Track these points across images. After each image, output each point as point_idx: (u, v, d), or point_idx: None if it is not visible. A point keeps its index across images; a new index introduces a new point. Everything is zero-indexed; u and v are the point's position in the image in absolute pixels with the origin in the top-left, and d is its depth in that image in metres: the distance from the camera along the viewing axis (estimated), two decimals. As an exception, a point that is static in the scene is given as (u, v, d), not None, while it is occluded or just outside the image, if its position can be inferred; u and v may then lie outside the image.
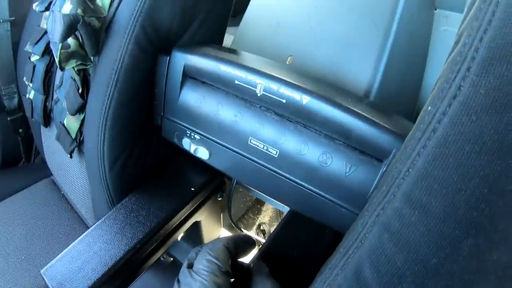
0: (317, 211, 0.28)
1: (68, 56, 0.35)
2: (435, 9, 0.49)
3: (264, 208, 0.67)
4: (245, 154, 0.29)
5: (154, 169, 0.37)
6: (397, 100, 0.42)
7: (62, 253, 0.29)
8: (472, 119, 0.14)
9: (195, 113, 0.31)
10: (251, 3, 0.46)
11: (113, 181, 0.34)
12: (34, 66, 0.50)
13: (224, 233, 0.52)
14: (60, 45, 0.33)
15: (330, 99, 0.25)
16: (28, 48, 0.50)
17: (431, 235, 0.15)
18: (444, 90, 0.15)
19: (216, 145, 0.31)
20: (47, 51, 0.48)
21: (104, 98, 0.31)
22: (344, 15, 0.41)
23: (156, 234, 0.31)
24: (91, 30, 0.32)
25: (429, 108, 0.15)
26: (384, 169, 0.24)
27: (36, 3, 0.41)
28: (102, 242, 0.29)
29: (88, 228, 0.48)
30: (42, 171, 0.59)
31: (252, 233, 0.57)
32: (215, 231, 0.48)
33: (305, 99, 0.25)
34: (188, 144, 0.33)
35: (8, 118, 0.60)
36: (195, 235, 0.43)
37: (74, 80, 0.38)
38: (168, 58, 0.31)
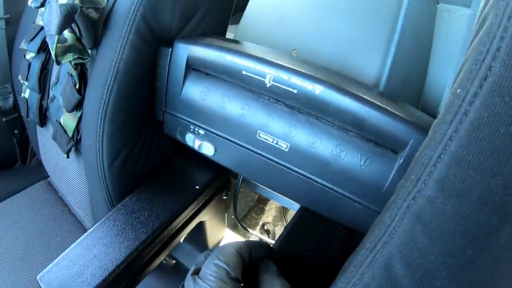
0: (329, 207, 0.27)
1: (64, 50, 0.33)
2: (438, 3, 0.49)
3: (267, 208, 0.65)
4: (253, 148, 0.28)
5: (155, 166, 0.36)
6: (403, 94, 0.41)
7: (59, 257, 0.27)
8: (505, 100, 0.13)
9: (199, 107, 0.30)
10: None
11: (112, 180, 0.32)
12: (30, 64, 0.48)
13: (228, 233, 0.50)
14: (56, 38, 0.32)
15: (345, 89, 0.24)
16: (23, 45, 0.48)
17: (467, 224, 0.14)
18: (473, 72, 0.14)
19: (222, 140, 0.29)
20: (43, 48, 0.47)
21: (103, 91, 0.29)
22: (349, 8, 0.40)
23: (159, 235, 0.29)
24: (88, 21, 0.30)
25: (458, 90, 0.15)
26: (401, 161, 0.23)
27: (31, -1, 0.39)
28: (101, 245, 0.27)
29: (86, 229, 0.47)
30: (38, 172, 0.57)
31: (256, 233, 0.56)
32: (219, 231, 0.46)
33: (317, 89, 0.24)
34: (192, 140, 0.31)
35: (3, 119, 0.59)
36: (198, 236, 0.41)
37: (71, 75, 0.37)
38: (170, 49, 0.30)
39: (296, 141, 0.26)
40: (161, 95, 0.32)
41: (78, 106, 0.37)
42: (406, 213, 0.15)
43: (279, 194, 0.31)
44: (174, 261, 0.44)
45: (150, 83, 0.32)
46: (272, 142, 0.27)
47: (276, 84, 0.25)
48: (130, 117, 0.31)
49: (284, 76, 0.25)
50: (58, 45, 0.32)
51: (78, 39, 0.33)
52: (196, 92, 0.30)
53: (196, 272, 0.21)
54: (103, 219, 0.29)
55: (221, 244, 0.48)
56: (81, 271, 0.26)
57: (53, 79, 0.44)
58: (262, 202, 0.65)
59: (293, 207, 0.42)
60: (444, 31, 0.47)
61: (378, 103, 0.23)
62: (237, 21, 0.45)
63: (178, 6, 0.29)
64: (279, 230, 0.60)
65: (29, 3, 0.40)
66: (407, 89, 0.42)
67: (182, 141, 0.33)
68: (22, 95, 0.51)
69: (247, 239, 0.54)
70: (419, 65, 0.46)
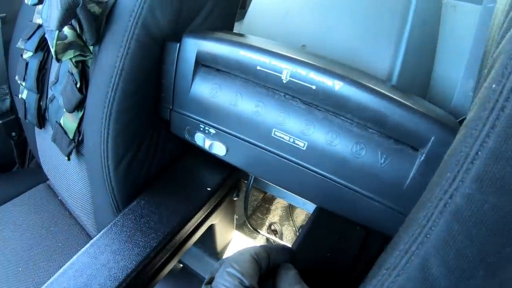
0: (348, 206, 0.26)
1: (65, 47, 0.32)
2: (443, -1, 0.48)
3: (273, 207, 0.64)
4: (268, 147, 0.27)
5: (162, 168, 0.34)
6: (412, 88, 0.40)
7: (65, 266, 0.26)
8: None
9: (209, 105, 0.28)
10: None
11: (118, 183, 0.30)
12: (27, 64, 0.47)
13: (235, 234, 0.49)
14: (56, 34, 0.30)
15: (365, 84, 0.23)
16: (20, 44, 0.47)
17: (506, 221, 0.13)
18: (509, 66, 0.14)
19: (235, 139, 0.28)
20: (41, 46, 0.45)
21: (108, 89, 0.27)
22: (357, 1, 0.39)
23: (170, 241, 0.27)
24: (90, 16, 0.28)
25: (493, 86, 0.14)
26: (422, 158, 0.22)
27: (28, -5, 0.38)
28: (110, 253, 0.26)
29: (89, 235, 0.45)
30: (38, 175, 0.55)
31: (263, 233, 0.54)
32: (228, 233, 0.45)
33: (337, 85, 0.23)
34: (202, 140, 0.30)
35: (0, 121, 0.57)
36: (207, 239, 0.40)
37: (72, 74, 0.35)
38: (178, 45, 0.28)
39: (314, 139, 0.25)
40: (168, 93, 0.31)
41: (79, 106, 0.35)
42: (443, 212, 0.15)
43: (293, 194, 0.30)
44: (181, 265, 0.43)
45: (156, 80, 0.30)
46: (289, 140, 0.26)
47: (294, 80, 0.24)
48: (136, 117, 0.29)
49: (302, 71, 0.24)
50: (58, 42, 0.31)
51: (79, 35, 0.31)
52: (206, 89, 0.28)
53: (210, 281, 0.19)
54: (110, 225, 0.28)
55: (229, 246, 0.47)
56: (89, 282, 0.24)
57: (52, 78, 0.42)
58: (267, 201, 0.64)
59: (306, 207, 0.41)
60: (449, 26, 0.46)
61: (400, 99, 0.22)
62: (239, 18, 0.43)
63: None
64: (286, 230, 0.59)
65: (26, 0, 0.38)
66: (416, 84, 0.42)
67: (191, 141, 0.31)
68: (20, 96, 0.50)
69: (255, 241, 0.53)
70: (427, 60, 0.46)
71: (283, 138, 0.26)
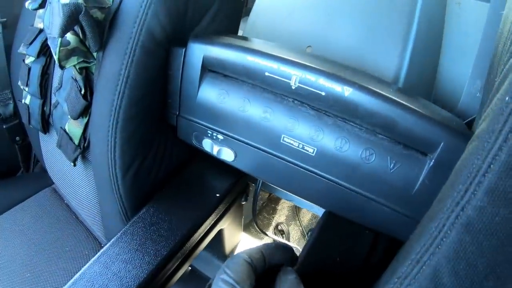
0: (357, 211, 0.26)
1: (68, 53, 0.31)
2: (448, -5, 0.47)
3: (279, 207, 0.64)
4: (277, 153, 0.26)
5: (170, 174, 0.34)
6: (418, 88, 0.40)
7: (76, 276, 0.26)
8: None
9: (217, 111, 0.28)
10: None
11: (126, 190, 0.30)
12: (29, 69, 0.46)
13: (243, 236, 0.49)
14: (59, 41, 0.30)
15: (375, 90, 0.22)
16: (21, 49, 0.46)
17: None
18: None
19: (243, 145, 0.28)
20: (43, 51, 0.44)
21: (113, 97, 0.27)
22: (362, 1, 0.38)
23: (181, 248, 0.27)
24: (93, 22, 0.28)
25: (507, 98, 0.14)
26: (432, 163, 0.22)
27: (29, 0, 0.37)
28: (121, 262, 0.26)
29: (96, 239, 0.46)
30: (43, 179, 0.55)
31: (270, 234, 0.54)
32: (236, 236, 0.45)
33: (347, 91, 0.23)
34: (210, 146, 0.30)
35: (4, 126, 0.57)
36: (215, 242, 0.40)
37: (76, 80, 0.35)
38: (184, 50, 0.28)
39: (324, 145, 0.24)
40: (174, 99, 0.30)
41: (84, 112, 0.35)
42: (455, 224, 0.15)
43: (301, 198, 0.30)
44: (190, 268, 0.43)
45: (162, 86, 0.30)
46: (298, 146, 0.25)
47: (303, 86, 0.24)
48: (143, 124, 0.29)
49: (311, 77, 0.23)
50: (61, 48, 0.30)
51: (82, 41, 0.31)
52: (214, 95, 0.28)
53: None
54: (119, 234, 0.28)
55: (237, 248, 0.47)
56: (101, 291, 0.24)
57: (55, 84, 0.42)
58: (273, 201, 0.64)
59: (313, 210, 0.41)
60: (454, 23, 0.46)
61: (409, 105, 0.22)
62: (243, 16, 0.42)
63: (191, 3, 0.27)
64: (293, 230, 0.59)
65: (26, 5, 0.37)
66: (422, 83, 0.42)
67: (198, 147, 0.31)
68: (23, 101, 0.49)
69: (262, 241, 0.53)
70: (433, 59, 0.45)
71: (292, 144, 0.25)
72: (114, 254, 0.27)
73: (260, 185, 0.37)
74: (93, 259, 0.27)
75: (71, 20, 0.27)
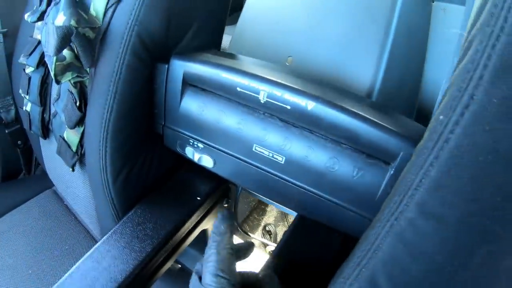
0: (325, 215, 0.28)
1: (63, 68, 0.34)
2: (433, 2, 0.49)
3: (268, 209, 0.67)
4: (250, 161, 0.29)
5: (158, 178, 0.37)
6: (399, 97, 0.42)
7: (72, 269, 0.29)
8: (485, 128, 0.13)
9: (197, 122, 0.31)
10: (246, 4, 0.45)
11: (117, 194, 0.33)
12: (29, 78, 0.49)
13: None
14: (54, 58, 0.32)
15: (336, 104, 0.24)
16: (22, 60, 0.49)
17: (446, 244, 0.15)
18: (456, 99, 0.14)
19: (220, 153, 0.30)
20: (42, 62, 0.47)
21: (104, 111, 0.30)
22: (342, 13, 0.40)
23: (164, 246, 0.30)
24: (85, 41, 0.31)
25: (441, 117, 0.15)
26: (392, 172, 0.24)
27: (28, 13, 0.40)
28: (110, 258, 0.29)
29: (94, 238, 0.49)
30: (44, 182, 0.58)
31: (258, 235, 0.57)
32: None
33: (310, 105, 0.25)
34: (192, 153, 0.32)
35: (6, 131, 0.60)
36: (202, 241, 0.43)
37: (71, 93, 0.38)
38: (166, 66, 0.31)
39: (291, 154, 0.27)
40: (160, 110, 0.33)
41: (80, 122, 0.38)
42: (389, 233, 0.16)
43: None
44: (179, 266, 0.46)
45: (148, 99, 0.33)
46: (268, 155, 0.28)
47: (270, 101, 0.26)
48: (131, 134, 0.32)
49: (277, 92, 0.26)
50: (57, 63, 0.33)
51: (77, 57, 0.33)
52: (194, 107, 0.31)
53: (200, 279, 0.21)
54: (110, 232, 0.31)
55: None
56: (92, 284, 0.27)
57: (54, 95, 0.45)
58: (263, 203, 0.67)
59: (293, 212, 0.43)
60: (439, 29, 0.47)
61: (370, 117, 0.24)
62: (234, 21, 0.45)
63: (173, 23, 0.30)
64: (280, 231, 0.62)
65: (25, 17, 0.40)
66: (403, 90, 0.43)
67: (182, 154, 0.34)
68: (24, 108, 0.52)
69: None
70: (415, 65, 0.47)
71: (263, 153, 0.28)
72: (105, 250, 0.30)
73: (240, 189, 0.40)
74: (86, 255, 0.30)
75: (65, 41, 0.30)
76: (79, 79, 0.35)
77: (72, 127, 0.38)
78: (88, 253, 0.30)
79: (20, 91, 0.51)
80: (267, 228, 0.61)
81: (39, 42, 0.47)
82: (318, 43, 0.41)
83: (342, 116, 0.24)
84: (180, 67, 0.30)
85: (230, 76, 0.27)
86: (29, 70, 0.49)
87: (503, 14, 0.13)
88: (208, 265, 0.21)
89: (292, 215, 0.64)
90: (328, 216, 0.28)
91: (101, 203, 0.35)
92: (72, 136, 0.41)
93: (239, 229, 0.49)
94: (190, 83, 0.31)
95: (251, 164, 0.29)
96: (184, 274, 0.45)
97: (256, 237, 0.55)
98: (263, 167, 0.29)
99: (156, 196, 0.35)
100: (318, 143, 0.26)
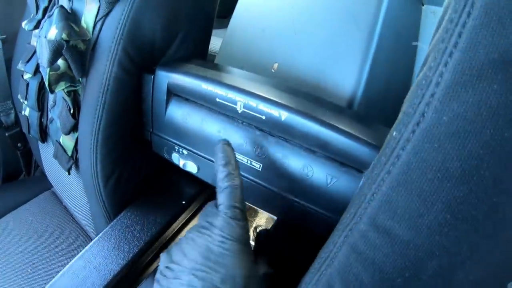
0: (302, 219, 0.29)
1: (57, 78, 0.36)
2: (423, 5, 0.49)
3: (260, 210, 0.68)
4: (230, 168, 0.30)
5: (147, 182, 0.39)
6: (384, 104, 0.42)
7: (65, 268, 0.31)
8: (434, 146, 0.13)
9: (181, 129, 0.32)
10: (236, 10, 0.46)
11: (108, 197, 0.35)
12: (28, 84, 0.51)
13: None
14: (48, 69, 0.34)
15: (308, 113, 0.26)
16: (20, 66, 0.51)
17: (395, 256, 0.15)
18: (409, 116, 0.14)
19: (204, 160, 0.32)
20: (39, 69, 0.49)
21: (94, 120, 0.32)
22: (326, 19, 0.41)
23: (151, 247, 0.32)
24: (76, 53, 0.32)
25: (394, 133, 0.15)
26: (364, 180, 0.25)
27: (25, 21, 0.42)
28: (100, 257, 0.31)
29: (90, 238, 0.51)
30: (43, 183, 0.60)
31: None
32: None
33: (283, 115, 0.26)
34: (177, 159, 0.34)
35: (6, 134, 0.62)
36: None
37: (66, 100, 0.39)
38: (152, 76, 0.32)
39: (268, 161, 0.28)
40: (147, 118, 0.35)
41: (74, 128, 0.40)
42: (344, 242, 0.17)
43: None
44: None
45: (136, 108, 0.34)
46: (246, 162, 0.29)
47: (247, 111, 0.28)
48: (120, 141, 0.34)
49: (252, 103, 0.27)
50: (51, 73, 0.35)
51: (70, 67, 0.35)
52: (178, 115, 0.32)
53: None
54: (101, 234, 0.33)
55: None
56: (83, 281, 0.29)
57: (50, 101, 0.47)
58: (255, 203, 0.68)
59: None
60: (429, 32, 0.48)
61: (341, 127, 0.25)
62: (227, 25, 0.46)
63: (158, 36, 0.32)
64: (271, 231, 0.63)
65: (23, 25, 0.42)
66: (389, 97, 0.43)
67: (169, 159, 0.36)
68: (23, 113, 0.54)
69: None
70: (402, 71, 0.47)
71: (241, 160, 0.30)
72: (95, 251, 0.32)
73: None
74: (78, 255, 0.32)
75: (56, 54, 0.31)
76: (72, 88, 0.37)
77: (67, 133, 0.40)
78: (80, 253, 0.32)
79: (19, 96, 0.53)
80: (258, 229, 0.63)
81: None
82: (303, 49, 0.41)
83: (313, 125, 0.25)
84: (165, 78, 0.32)
85: (209, 87, 0.29)
86: (27, 76, 0.51)
87: (458, 30, 0.13)
88: (224, 196, 0.22)
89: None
90: (304, 220, 0.29)
91: (94, 205, 0.37)
92: (67, 141, 0.43)
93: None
94: (175, 93, 0.32)
95: (231, 170, 0.31)
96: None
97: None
98: (242, 173, 0.30)
99: (144, 200, 0.37)
100: (293, 151, 0.28)
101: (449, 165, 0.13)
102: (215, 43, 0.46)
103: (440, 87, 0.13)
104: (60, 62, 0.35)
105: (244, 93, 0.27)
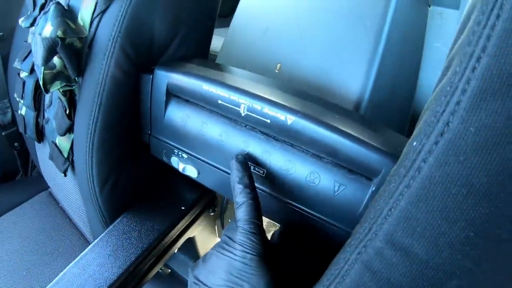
0: (307, 229, 0.28)
1: (53, 77, 0.34)
2: (429, 6, 0.48)
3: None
4: (232, 173, 0.29)
5: (145, 186, 0.37)
6: (390, 107, 0.41)
7: (59, 276, 0.29)
8: (460, 159, 0.13)
9: (181, 132, 0.31)
10: (238, 8, 0.45)
11: (104, 202, 0.34)
12: (24, 83, 0.50)
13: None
14: (42, 68, 0.33)
15: (316, 118, 0.24)
16: (16, 64, 0.49)
17: (413, 277, 0.14)
18: (431, 125, 0.13)
19: (204, 164, 0.31)
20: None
21: (89, 122, 0.30)
22: (333, 19, 0.40)
23: (149, 255, 0.31)
24: (71, 51, 0.31)
25: (414, 143, 0.14)
26: (374, 188, 0.23)
27: (22, 18, 0.40)
28: (96, 265, 0.29)
29: (87, 240, 0.50)
30: (40, 183, 0.59)
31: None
32: (211, 241, 0.48)
33: (289, 119, 0.25)
34: (177, 163, 0.33)
35: (3, 133, 0.61)
36: (191, 247, 0.44)
37: (61, 100, 0.38)
38: (151, 76, 0.31)
39: (272, 167, 0.27)
40: (146, 120, 0.33)
41: (70, 129, 0.38)
42: (357, 260, 0.16)
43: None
44: (170, 270, 0.47)
45: (134, 110, 0.33)
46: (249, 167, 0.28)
47: (250, 114, 0.26)
48: (117, 145, 0.32)
49: (257, 106, 0.26)
50: (47, 71, 0.33)
51: (66, 65, 0.34)
52: (178, 117, 0.31)
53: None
54: (96, 240, 0.31)
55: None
56: (77, 291, 0.28)
57: (46, 101, 0.46)
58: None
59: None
60: (436, 33, 0.46)
61: (351, 132, 0.23)
62: (228, 24, 0.44)
63: (157, 34, 0.30)
64: (269, 235, 0.62)
65: (20, 22, 0.40)
66: (395, 99, 0.42)
67: (168, 163, 0.34)
68: (19, 112, 0.53)
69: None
70: (409, 71, 0.46)
71: (244, 165, 0.28)
72: (91, 258, 0.30)
73: (226, 199, 0.40)
74: (73, 262, 0.30)
75: (51, 52, 0.30)
76: (68, 88, 0.36)
77: (62, 135, 0.38)
78: (75, 260, 0.30)
79: (15, 95, 0.51)
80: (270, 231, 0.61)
81: (33, 47, 0.48)
82: (308, 50, 0.40)
83: (322, 131, 0.24)
84: (164, 78, 0.30)
85: (211, 88, 0.27)
86: (23, 74, 0.50)
87: (486, 32, 0.12)
88: (242, 211, 0.23)
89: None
90: (310, 230, 0.28)
91: (90, 209, 0.36)
92: (63, 143, 0.41)
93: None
94: (174, 94, 0.31)
95: (233, 175, 0.29)
96: (174, 279, 0.46)
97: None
98: (244, 179, 0.29)
99: (142, 205, 0.35)
100: (299, 157, 0.26)
101: (474, 180, 0.13)
102: (216, 42, 0.45)
103: (467, 95, 0.12)
104: (56, 60, 0.34)
105: (248, 95, 0.26)
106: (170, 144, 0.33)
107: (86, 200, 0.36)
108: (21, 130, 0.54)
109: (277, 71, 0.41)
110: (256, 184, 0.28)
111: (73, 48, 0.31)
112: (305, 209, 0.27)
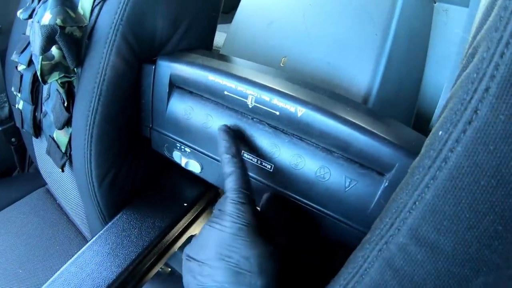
0: (316, 225, 0.27)
1: (51, 68, 0.33)
2: (435, 3, 0.47)
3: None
4: (238, 168, 0.28)
5: (146, 182, 0.36)
6: (397, 102, 0.40)
7: (55, 275, 0.28)
8: (489, 148, 0.12)
9: (184, 125, 0.30)
10: (242, 1, 0.44)
11: (103, 198, 0.33)
12: (21, 76, 0.48)
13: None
14: (40, 58, 0.32)
15: (327, 110, 0.23)
16: (14, 57, 0.48)
17: (439, 274, 0.14)
18: (458, 113, 0.13)
19: (208, 159, 0.29)
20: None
21: (88, 114, 0.29)
22: (340, 13, 0.39)
23: (149, 253, 0.29)
24: (71, 40, 0.30)
25: (440, 132, 0.14)
26: (386, 183, 0.22)
27: (20, 10, 0.39)
28: (94, 264, 0.28)
29: (85, 237, 0.48)
30: (37, 180, 0.58)
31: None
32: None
33: (300, 111, 0.24)
34: (179, 157, 0.31)
35: (0, 128, 0.59)
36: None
37: (60, 92, 0.37)
38: (153, 67, 0.30)
39: (280, 161, 0.26)
40: (147, 112, 0.32)
41: (68, 123, 0.37)
42: (378, 257, 0.15)
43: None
44: (170, 269, 0.46)
45: (135, 102, 0.32)
46: (256, 162, 0.27)
47: (258, 105, 0.25)
48: (117, 138, 0.31)
49: (266, 97, 0.24)
50: (45, 62, 0.32)
51: (64, 56, 0.33)
52: (181, 110, 0.30)
53: None
54: (95, 238, 0.30)
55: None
56: (74, 291, 0.27)
57: (44, 94, 0.44)
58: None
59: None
60: (441, 30, 0.46)
61: (363, 125, 0.22)
62: (230, 20, 0.43)
63: (160, 23, 0.29)
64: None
65: (18, 14, 0.39)
66: (401, 94, 0.42)
67: (170, 158, 0.33)
68: (16, 106, 0.52)
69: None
70: (415, 67, 0.45)
71: (251, 160, 0.27)
72: (89, 256, 0.29)
73: None
74: (70, 260, 0.29)
75: (49, 40, 0.29)
76: (66, 79, 0.34)
77: (60, 128, 0.37)
78: (72, 259, 0.29)
79: (13, 89, 0.50)
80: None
81: (31, 39, 0.46)
82: (314, 44, 0.40)
83: (333, 123, 0.23)
84: (167, 68, 0.29)
85: (217, 78, 0.26)
86: (21, 67, 0.48)
87: None
88: (230, 181, 0.23)
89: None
90: (320, 227, 0.27)
91: (88, 205, 0.35)
92: (61, 137, 0.40)
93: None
94: (177, 85, 0.30)
95: (238, 170, 0.28)
96: (174, 278, 0.45)
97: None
98: (251, 174, 0.27)
99: (142, 201, 0.34)
100: (309, 151, 0.25)
101: (504, 170, 0.12)
102: (217, 38, 0.44)
103: (496, 81, 0.12)
104: (54, 51, 0.32)
105: (256, 86, 0.25)
106: (172, 138, 0.31)
107: (84, 196, 0.35)
108: (18, 124, 0.53)
109: (282, 65, 0.40)
110: (264, 180, 0.27)
111: (73, 37, 0.30)
112: (314, 205, 0.26)
